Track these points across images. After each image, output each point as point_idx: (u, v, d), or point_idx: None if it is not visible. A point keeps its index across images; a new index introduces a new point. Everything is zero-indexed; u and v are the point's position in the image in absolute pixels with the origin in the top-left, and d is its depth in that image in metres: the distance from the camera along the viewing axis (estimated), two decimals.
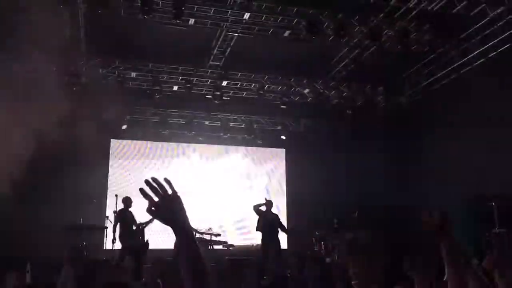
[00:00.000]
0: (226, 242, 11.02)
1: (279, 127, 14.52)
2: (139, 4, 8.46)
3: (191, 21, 9.51)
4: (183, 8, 8.74)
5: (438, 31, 9.93)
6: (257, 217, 10.26)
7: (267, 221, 9.88)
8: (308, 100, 13.17)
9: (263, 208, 10.28)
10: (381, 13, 9.57)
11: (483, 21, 9.48)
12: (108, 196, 12.36)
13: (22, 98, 8.54)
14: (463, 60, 10.53)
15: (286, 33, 9.92)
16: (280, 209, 13.43)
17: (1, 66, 8.02)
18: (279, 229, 10.35)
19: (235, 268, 9.50)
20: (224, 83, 12.24)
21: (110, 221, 9.96)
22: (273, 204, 10.63)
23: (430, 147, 12.17)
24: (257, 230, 10.06)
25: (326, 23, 9.63)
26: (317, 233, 11.10)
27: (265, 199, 10.65)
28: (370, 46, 10.47)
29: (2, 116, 7.97)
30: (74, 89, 11.12)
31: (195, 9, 9.32)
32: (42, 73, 8.85)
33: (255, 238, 11.02)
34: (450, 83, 11.29)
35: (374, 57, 10.98)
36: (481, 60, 10.08)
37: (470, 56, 10.28)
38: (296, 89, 12.85)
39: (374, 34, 9.67)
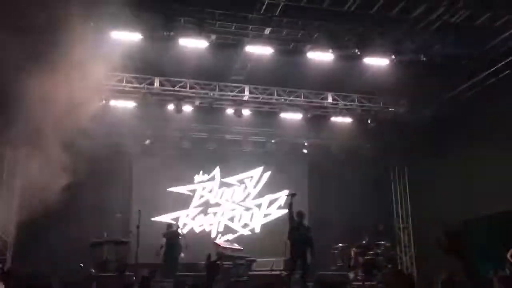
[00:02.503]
0: (249, 257, 10.95)
1: (300, 141, 14.46)
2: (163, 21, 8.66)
3: (213, 36, 9.65)
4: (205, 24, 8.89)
5: (461, 43, 9.79)
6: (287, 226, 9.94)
7: (299, 234, 9.38)
8: (330, 113, 13.09)
9: (296, 218, 9.89)
10: (403, 25, 9.51)
11: (508, 32, 9.32)
12: (132, 211, 12.38)
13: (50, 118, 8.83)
14: (488, 72, 10.33)
15: (308, 49, 9.94)
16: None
17: (38, 82, 8.33)
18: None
19: (256, 283, 9.40)
20: (246, 97, 12.29)
21: (134, 236, 10.00)
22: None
23: (455, 161, 11.88)
24: (288, 239, 9.57)
25: (347, 37, 9.63)
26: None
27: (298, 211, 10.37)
28: (392, 59, 10.38)
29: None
30: (100, 104, 11.37)
31: (216, 25, 9.46)
32: (70, 90, 9.10)
33: (275, 254, 10.77)
34: (475, 95, 11.07)
35: (397, 69, 10.87)
36: (507, 72, 9.88)
37: (497, 66, 10.08)
38: (318, 103, 12.77)
39: (396, 46, 9.62)
